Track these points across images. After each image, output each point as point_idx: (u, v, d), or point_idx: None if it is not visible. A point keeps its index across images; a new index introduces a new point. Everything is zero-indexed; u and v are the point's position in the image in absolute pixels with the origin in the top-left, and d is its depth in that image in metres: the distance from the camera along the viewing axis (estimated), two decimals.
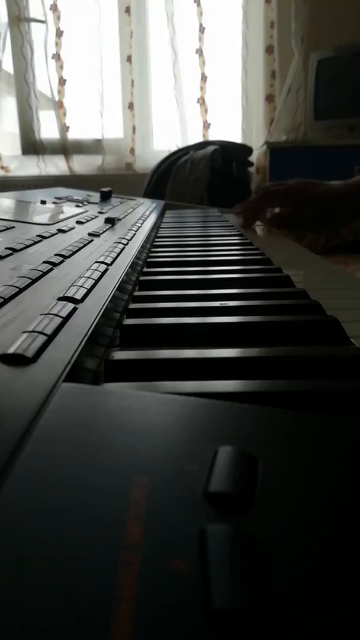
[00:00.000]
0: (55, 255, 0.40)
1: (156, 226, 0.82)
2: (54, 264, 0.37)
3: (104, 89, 2.63)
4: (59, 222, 0.64)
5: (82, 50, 2.62)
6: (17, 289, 0.29)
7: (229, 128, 2.62)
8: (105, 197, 1.07)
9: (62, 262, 0.39)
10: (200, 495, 0.12)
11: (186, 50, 2.56)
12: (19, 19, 2.59)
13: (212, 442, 0.14)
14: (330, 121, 2.46)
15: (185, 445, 0.14)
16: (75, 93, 2.67)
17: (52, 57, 2.62)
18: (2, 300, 0.26)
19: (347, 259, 2.01)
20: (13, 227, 0.56)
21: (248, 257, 0.53)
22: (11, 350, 0.19)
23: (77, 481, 0.12)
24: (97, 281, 0.33)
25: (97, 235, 0.55)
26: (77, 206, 0.88)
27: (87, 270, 0.35)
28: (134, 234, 0.59)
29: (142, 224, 0.71)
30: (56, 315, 0.24)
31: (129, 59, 2.61)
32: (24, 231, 0.54)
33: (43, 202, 0.86)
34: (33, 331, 0.21)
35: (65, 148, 2.70)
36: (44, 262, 0.37)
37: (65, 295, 0.28)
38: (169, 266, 0.50)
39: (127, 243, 0.51)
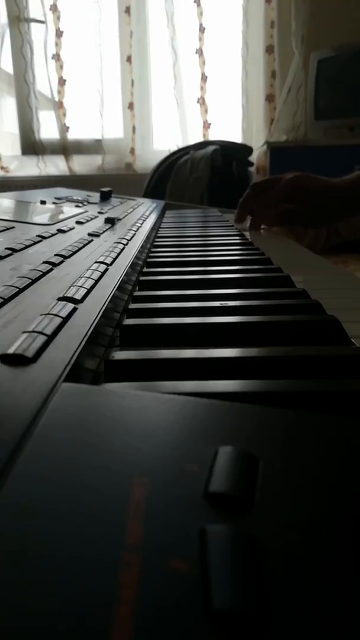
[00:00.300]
0: (55, 255, 0.40)
1: (156, 226, 0.82)
2: (54, 264, 0.37)
3: (104, 89, 2.63)
4: (58, 222, 0.64)
5: (82, 50, 2.62)
6: (17, 289, 0.29)
7: (229, 128, 2.62)
8: (105, 197, 1.07)
9: (62, 262, 0.39)
10: (200, 495, 0.12)
11: (186, 50, 2.56)
12: (18, 19, 2.59)
13: (212, 442, 0.14)
14: (330, 121, 2.46)
15: (185, 445, 0.14)
16: (75, 93, 2.67)
17: (52, 57, 2.62)
18: (2, 300, 0.26)
19: (347, 259, 2.01)
20: (13, 227, 0.56)
21: (248, 257, 0.53)
22: (11, 350, 0.19)
23: (77, 481, 0.12)
24: (97, 281, 0.33)
25: (97, 236, 0.55)
26: (77, 206, 0.88)
27: (87, 270, 0.35)
28: (134, 234, 0.59)
29: (142, 224, 0.71)
30: (56, 315, 0.24)
31: (129, 59, 2.60)
32: (24, 231, 0.54)
33: (43, 203, 0.86)
34: (33, 331, 0.21)
35: (65, 148, 2.70)
36: (44, 262, 0.37)
37: (65, 295, 0.28)
38: (169, 266, 0.50)
39: (127, 243, 0.51)
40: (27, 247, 0.44)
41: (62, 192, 1.13)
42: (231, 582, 0.09)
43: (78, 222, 0.65)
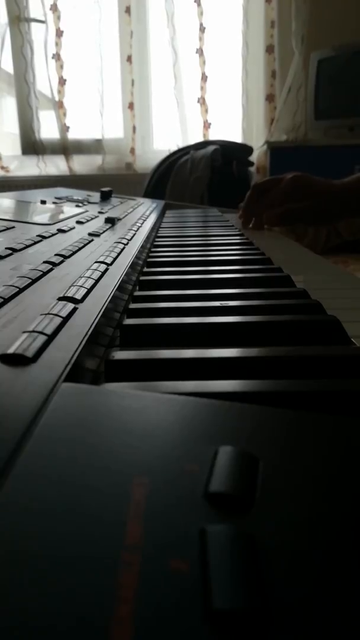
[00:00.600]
0: (56, 255, 0.40)
1: (156, 226, 0.82)
2: (54, 264, 0.37)
3: (104, 89, 2.63)
4: (59, 222, 0.64)
5: (82, 50, 2.62)
6: (17, 289, 0.29)
7: (229, 128, 2.62)
8: (105, 197, 1.07)
9: (62, 262, 0.39)
10: (200, 495, 0.12)
11: (186, 50, 2.56)
12: (19, 19, 2.59)
13: (212, 442, 0.14)
14: (330, 121, 2.46)
15: (185, 445, 0.14)
16: (75, 93, 2.67)
17: (52, 57, 2.62)
18: (2, 300, 0.26)
19: (347, 259, 2.02)
20: (13, 227, 0.56)
21: (248, 257, 0.53)
22: (11, 350, 0.19)
23: (77, 481, 0.12)
24: (97, 281, 0.33)
25: (97, 235, 0.55)
26: (77, 206, 0.88)
27: (87, 270, 0.35)
28: (134, 234, 0.59)
29: (142, 223, 0.71)
30: (56, 315, 0.24)
31: (129, 59, 2.61)
32: (24, 231, 0.54)
33: (43, 202, 0.86)
34: (33, 331, 0.21)
35: (65, 148, 2.70)
36: (44, 262, 0.37)
37: (66, 295, 0.28)
38: (169, 266, 0.50)
39: (127, 243, 0.51)
40: (27, 246, 0.44)
41: (62, 192, 1.13)
42: (231, 582, 0.09)
43: (78, 222, 0.65)
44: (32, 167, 2.72)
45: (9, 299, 0.27)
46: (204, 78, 2.58)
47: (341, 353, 0.25)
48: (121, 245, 0.48)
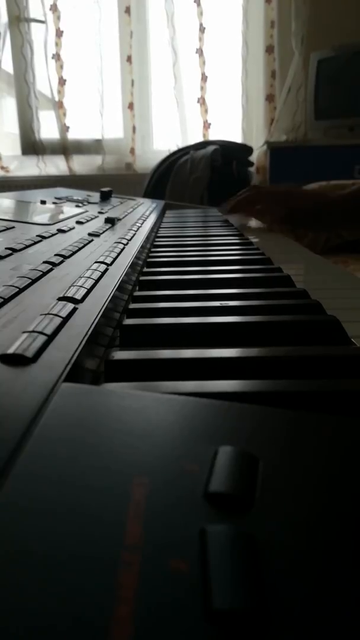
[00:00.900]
0: (55, 255, 0.40)
1: (156, 226, 0.82)
2: (54, 264, 0.37)
3: (104, 89, 2.62)
4: (59, 222, 0.64)
5: (82, 50, 2.61)
6: (17, 289, 0.29)
7: (229, 128, 2.62)
8: (105, 197, 1.07)
9: (62, 262, 0.39)
10: (200, 495, 0.12)
11: (186, 50, 2.56)
12: (18, 19, 2.59)
13: (212, 442, 0.14)
14: (330, 121, 2.46)
15: (185, 445, 0.14)
16: (75, 93, 2.67)
17: (52, 57, 2.62)
18: (2, 300, 0.26)
19: (347, 259, 2.01)
20: (13, 227, 0.56)
21: (248, 257, 0.53)
22: (11, 350, 0.19)
23: (77, 481, 0.12)
24: (97, 281, 0.33)
25: (97, 235, 0.55)
26: (77, 206, 0.88)
27: (87, 270, 0.35)
28: (134, 234, 0.59)
29: (142, 224, 0.71)
30: (56, 315, 0.24)
31: (129, 59, 2.60)
32: (24, 231, 0.54)
33: (43, 202, 0.86)
34: (33, 331, 0.21)
35: (65, 148, 2.70)
36: (44, 262, 0.37)
37: (65, 295, 0.28)
38: (169, 266, 0.50)
39: (127, 243, 0.51)
40: (27, 247, 0.44)
41: (62, 192, 1.13)
42: (231, 582, 0.09)
43: (78, 222, 0.65)
44: (32, 167, 2.72)
45: (9, 299, 0.27)
46: (204, 78, 2.58)
47: (341, 353, 0.25)
48: (121, 246, 0.48)
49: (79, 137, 2.71)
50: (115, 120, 2.68)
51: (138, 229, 0.65)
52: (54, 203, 0.89)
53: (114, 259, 0.42)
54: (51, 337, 0.21)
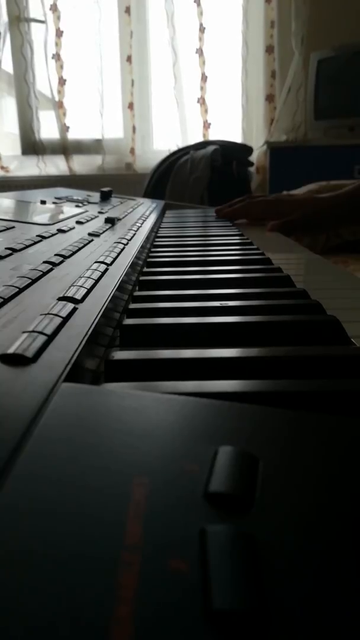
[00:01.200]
0: (55, 255, 0.40)
1: (156, 226, 0.82)
2: (54, 264, 0.37)
3: (104, 89, 2.63)
4: (59, 222, 0.64)
5: (82, 50, 2.62)
6: (17, 289, 0.29)
7: (229, 128, 2.62)
8: (105, 197, 1.07)
9: (62, 262, 0.39)
10: (200, 495, 0.12)
11: (186, 50, 2.56)
12: (18, 19, 2.59)
13: (212, 442, 0.14)
14: (330, 121, 2.46)
15: (185, 445, 0.14)
16: (75, 93, 2.67)
17: (52, 57, 2.62)
18: (2, 300, 0.26)
19: (347, 259, 2.01)
20: (13, 227, 0.56)
21: (248, 257, 0.53)
22: (11, 350, 0.19)
23: (77, 481, 0.12)
24: (97, 281, 0.33)
25: (97, 235, 0.55)
26: (77, 206, 0.88)
27: (87, 270, 0.35)
28: (134, 234, 0.59)
29: (142, 224, 0.71)
30: (56, 315, 0.24)
31: (129, 59, 2.60)
32: (24, 231, 0.54)
33: (43, 202, 0.86)
34: (33, 331, 0.21)
35: (65, 148, 2.70)
36: (44, 262, 0.37)
37: (65, 295, 0.28)
38: (169, 266, 0.50)
39: (127, 243, 0.51)
40: (27, 247, 0.44)
41: (62, 192, 1.13)
42: (231, 582, 0.09)
43: (78, 222, 0.65)
44: (32, 167, 2.72)
45: (9, 299, 0.27)
46: (204, 78, 2.58)
47: (341, 353, 0.25)
48: (121, 246, 0.48)
49: (79, 137, 2.71)
50: (115, 120, 2.69)
51: (138, 229, 0.65)
52: (54, 203, 0.89)
53: (114, 259, 0.42)
54: (51, 337, 0.21)
